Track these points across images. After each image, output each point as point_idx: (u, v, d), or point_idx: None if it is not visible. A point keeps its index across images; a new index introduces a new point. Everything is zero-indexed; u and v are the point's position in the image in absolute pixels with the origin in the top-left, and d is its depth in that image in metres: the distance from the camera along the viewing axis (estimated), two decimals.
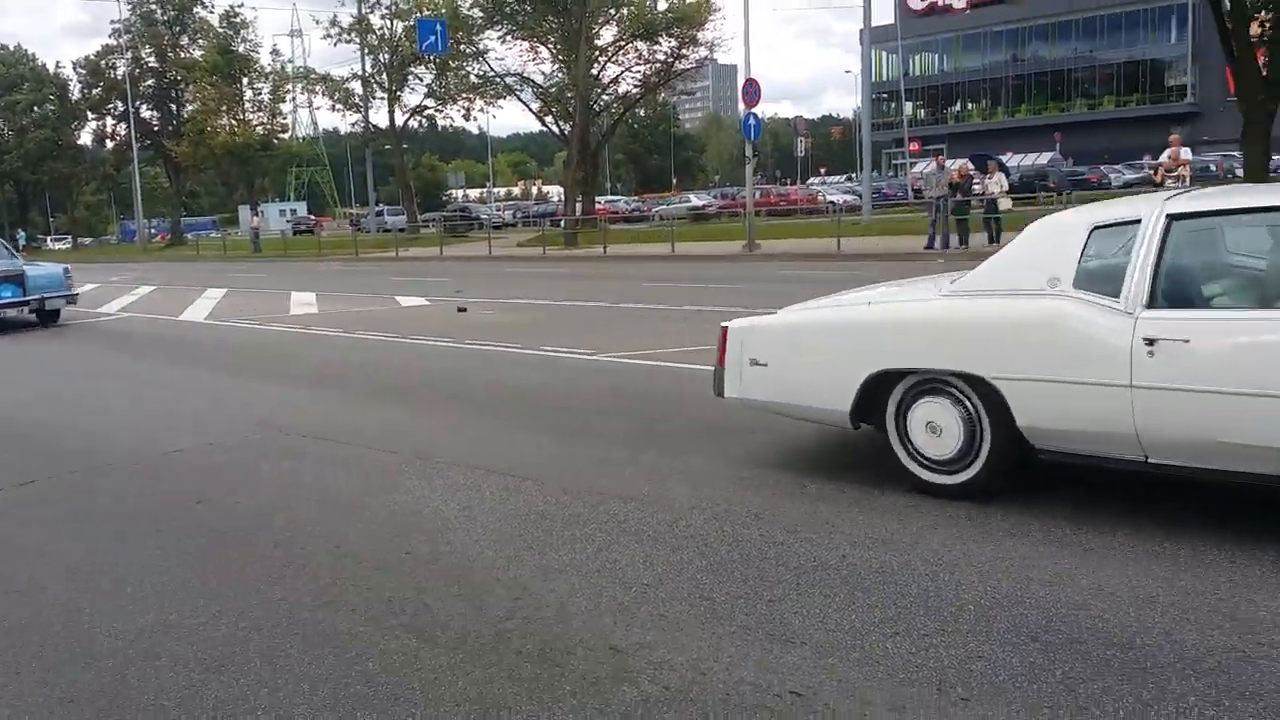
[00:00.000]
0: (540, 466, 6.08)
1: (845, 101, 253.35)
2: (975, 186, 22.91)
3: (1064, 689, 3.08)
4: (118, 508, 5.84)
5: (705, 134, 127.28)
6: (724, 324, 5.85)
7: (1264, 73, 25.96)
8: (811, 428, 6.25)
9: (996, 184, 22.39)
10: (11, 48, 75.99)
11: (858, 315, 5.43)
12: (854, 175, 67.86)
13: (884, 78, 72.12)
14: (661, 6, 41.20)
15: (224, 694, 3.48)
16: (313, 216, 79.27)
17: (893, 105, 72.37)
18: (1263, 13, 24.89)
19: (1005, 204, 22.66)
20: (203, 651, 3.82)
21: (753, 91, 26.34)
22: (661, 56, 42.97)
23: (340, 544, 4.93)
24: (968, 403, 4.85)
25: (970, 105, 76.22)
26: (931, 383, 4.98)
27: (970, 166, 23.62)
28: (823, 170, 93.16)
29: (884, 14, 65.87)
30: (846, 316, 5.51)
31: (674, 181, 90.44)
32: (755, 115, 26.76)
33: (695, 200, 57.59)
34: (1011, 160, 41.39)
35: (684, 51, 42.37)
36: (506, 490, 5.63)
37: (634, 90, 45.15)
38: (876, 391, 5.14)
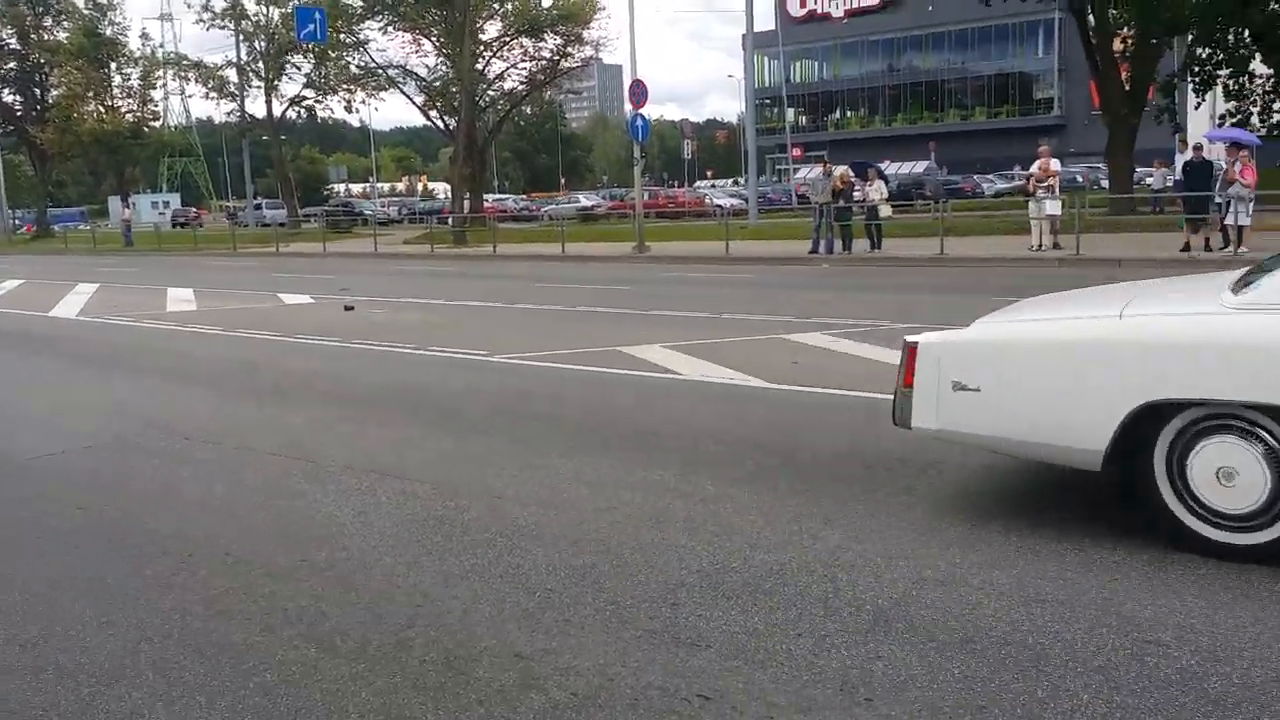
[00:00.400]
0: (436, 470, 6.02)
1: (729, 105, 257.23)
2: (856, 193, 23.51)
3: (962, 687, 3.20)
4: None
5: (592, 134, 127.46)
6: (910, 338, 4.80)
7: (1126, 87, 27.33)
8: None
9: (877, 191, 23.06)
10: None
11: (1113, 332, 4.36)
12: (741, 179, 68.89)
13: (766, 83, 73.35)
14: (546, 3, 41.09)
15: (117, 708, 3.35)
16: (193, 209, 76.51)
17: (775, 111, 73.75)
18: (1125, 29, 26.21)
19: (885, 211, 23.36)
20: (92, 663, 3.68)
21: (639, 92, 26.49)
22: (547, 54, 42.91)
23: (230, 550, 4.79)
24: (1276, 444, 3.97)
25: (849, 113, 78.22)
26: (1224, 418, 4.07)
27: (851, 174, 24.24)
28: (709, 173, 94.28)
29: (766, 20, 67.08)
30: (1096, 333, 4.44)
31: (562, 181, 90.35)
32: (643, 116, 26.91)
33: (584, 200, 57.58)
34: (889, 168, 42.57)
35: (569, 50, 42.38)
36: (402, 495, 5.56)
37: (520, 87, 44.94)
38: (1140, 427, 4.19)
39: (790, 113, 71.93)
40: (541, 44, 42.43)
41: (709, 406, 7.44)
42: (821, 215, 22.43)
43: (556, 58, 42.69)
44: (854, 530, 4.66)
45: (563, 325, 12.59)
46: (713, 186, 67.84)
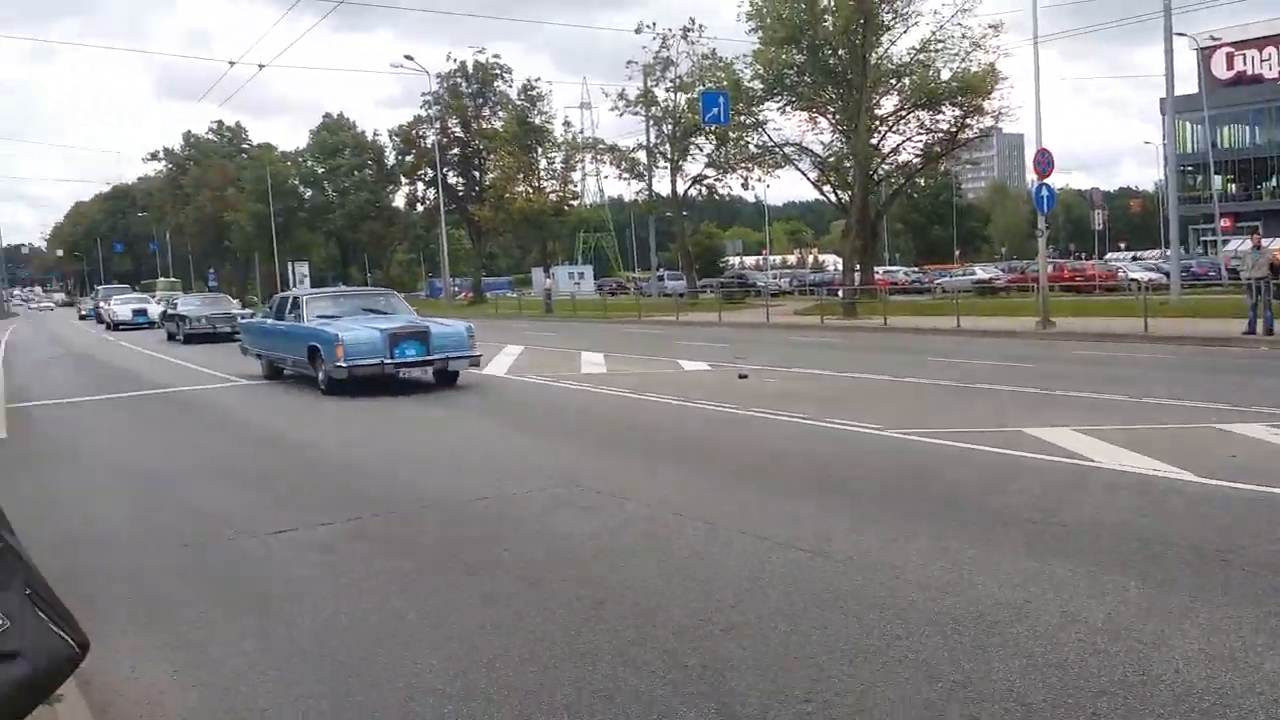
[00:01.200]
0: (831, 543, 5.98)
1: (1143, 173, 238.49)
2: None
3: None
4: (436, 548, 6.26)
5: (990, 204, 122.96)
6: None
7: None
8: None
9: None
10: (336, 116, 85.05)
11: None
12: (1157, 251, 63.38)
13: (1188, 149, 67.11)
14: (945, 76, 40.38)
15: None
16: (612, 279, 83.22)
17: (1199, 178, 67.20)
18: None
19: None
20: (513, 697, 3.99)
21: (1044, 162, 25.25)
22: (945, 126, 42.02)
23: (637, 602, 5.04)
24: None
25: None
26: None
27: None
28: (1121, 244, 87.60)
29: (1187, 84, 61.60)
30: None
31: (957, 253, 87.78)
32: (1048, 186, 25.60)
33: (981, 273, 55.59)
34: None
35: (968, 121, 41.20)
36: (796, 564, 5.57)
37: (915, 160, 44.34)
38: None
39: (1217, 180, 65.32)
40: (939, 116, 41.70)
41: (1127, 499, 6.81)
42: (1257, 292, 20.04)
43: (954, 129, 41.73)
44: None
45: (958, 401, 12.14)
46: (1135, 259, 62.53)
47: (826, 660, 4.22)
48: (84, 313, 61.70)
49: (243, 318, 30.37)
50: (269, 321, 17.26)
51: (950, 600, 4.88)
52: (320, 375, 14.56)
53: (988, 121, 41.35)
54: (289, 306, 16.60)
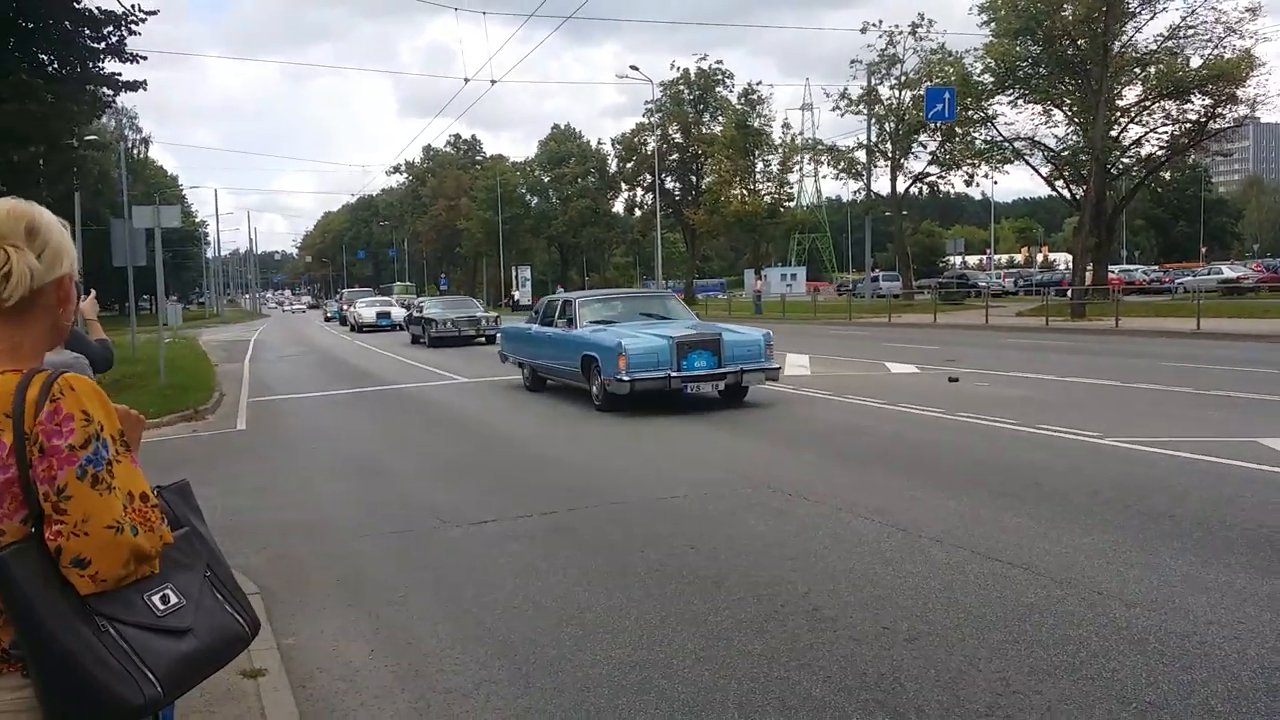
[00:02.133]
0: (1031, 554, 5.71)
1: None
2: None
3: None
4: (623, 544, 6.39)
5: (1242, 198, 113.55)
6: None
7: None
8: None
9: None
10: (563, 127, 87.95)
11: None
12: None
13: None
14: (1195, 63, 37.56)
15: None
16: (825, 280, 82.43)
17: None
18: None
19: None
20: (687, 693, 4.03)
21: None
22: (1193, 116, 39.08)
23: (819, 607, 4.98)
24: None
25: None
26: None
27: None
28: None
29: None
30: None
31: (1202, 250, 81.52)
32: None
33: (1227, 271, 51.44)
34: None
35: (1220, 110, 38.15)
36: (993, 575, 5.35)
37: (1158, 152, 41.45)
38: None
39: None
40: (1187, 106, 38.84)
41: None
42: None
43: (1204, 119, 38.75)
44: None
45: (1189, 410, 11.28)
46: None
47: (1014, 675, 4.05)
48: (329, 314, 63.72)
49: (488, 321, 30.48)
50: (534, 327, 15.75)
51: (1156, 619, 4.57)
52: (594, 389, 13.14)
53: (1242, 110, 38.25)
54: (559, 310, 14.96)
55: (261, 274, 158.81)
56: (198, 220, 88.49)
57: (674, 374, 12.35)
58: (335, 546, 6.77)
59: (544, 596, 5.37)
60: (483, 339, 29.10)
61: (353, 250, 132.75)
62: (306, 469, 10.08)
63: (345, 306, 52.60)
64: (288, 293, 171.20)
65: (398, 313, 41.72)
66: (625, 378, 12.23)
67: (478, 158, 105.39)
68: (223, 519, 7.06)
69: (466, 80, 36.10)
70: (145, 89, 20.48)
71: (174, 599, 1.79)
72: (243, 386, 19.00)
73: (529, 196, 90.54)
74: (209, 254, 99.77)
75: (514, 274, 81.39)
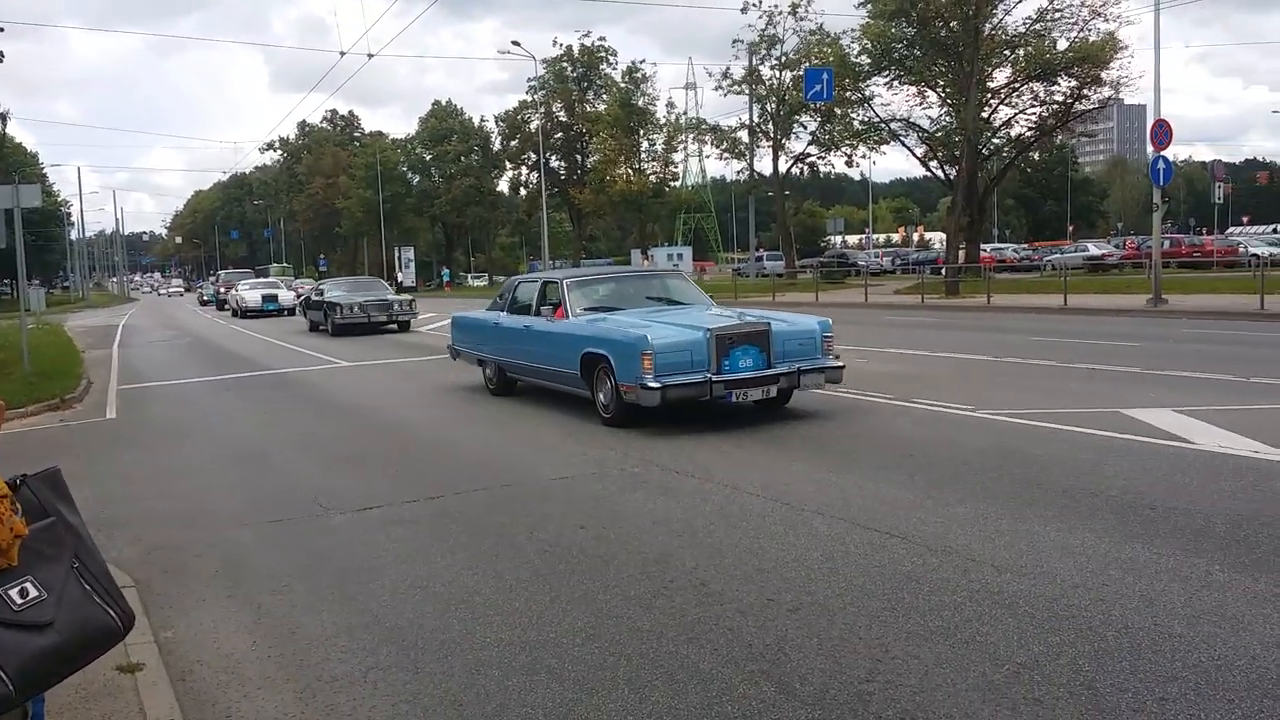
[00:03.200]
0: (909, 524, 5.90)
1: (1272, 144, 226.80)
2: None
3: None
4: (512, 526, 6.36)
5: (1107, 178, 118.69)
6: None
7: None
8: None
9: None
10: (444, 103, 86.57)
11: None
12: None
13: None
14: (1062, 46, 39.01)
15: (593, 717, 3.67)
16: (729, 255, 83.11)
17: None
18: None
19: None
20: (577, 672, 4.06)
21: (1162, 134, 24.28)
22: (1060, 98, 40.63)
23: (706, 581, 5.06)
24: None
25: None
26: None
27: None
28: (1245, 219, 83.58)
29: None
30: None
31: (1069, 229, 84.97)
32: (1165, 159, 24.63)
33: (1093, 249, 53.77)
34: None
35: (1085, 92, 39.72)
36: (872, 546, 5.52)
37: (1027, 133, 43.00)
38: None
39: None
40: (1054, 87, 40.34)
41: (1225, 482, 6.55)
42: None
43: (1070, 101, 40.31)
44: None
45: (1057, 382, 11.79)
46: (1244, 233, 59.71)
47: (893, 641, 4.19)
48: (205, 298, 59.06)
49: (401, 305, 27.43)
50: (501, 316, 12.60)
51: (1026, 583, 4.78)
52: (600, 398, 10.21)
53: (1106, 92, 39.86)
54: (539, 295, 11.79)
55: (130, 256, 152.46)
56: (60, 200, 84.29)
57: (714, 377, 9.40)
58: (213, 536, 6.58)
59: (432, 581, 5.33)
60: (394, 325, 26.80)
61: (225, 231, 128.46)
62: (182, 457, 9.75)
63: (223, 289, 49.45)
64: (157, 275, 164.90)
65: (286, 296, 39.48)
66: (654, 384, 9.25)
67: (356, 134, 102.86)
68: (94, 510, 6.76)
69: (343, 54, 35.05)
70: (1, 60, 19.39)
71: (34, 592, 1.71)
72: (112, 373, 18.27)
73: (410, 175, 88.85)
74: (73, 235, 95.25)
75: (397, 255, 79.90)
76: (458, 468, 8.39)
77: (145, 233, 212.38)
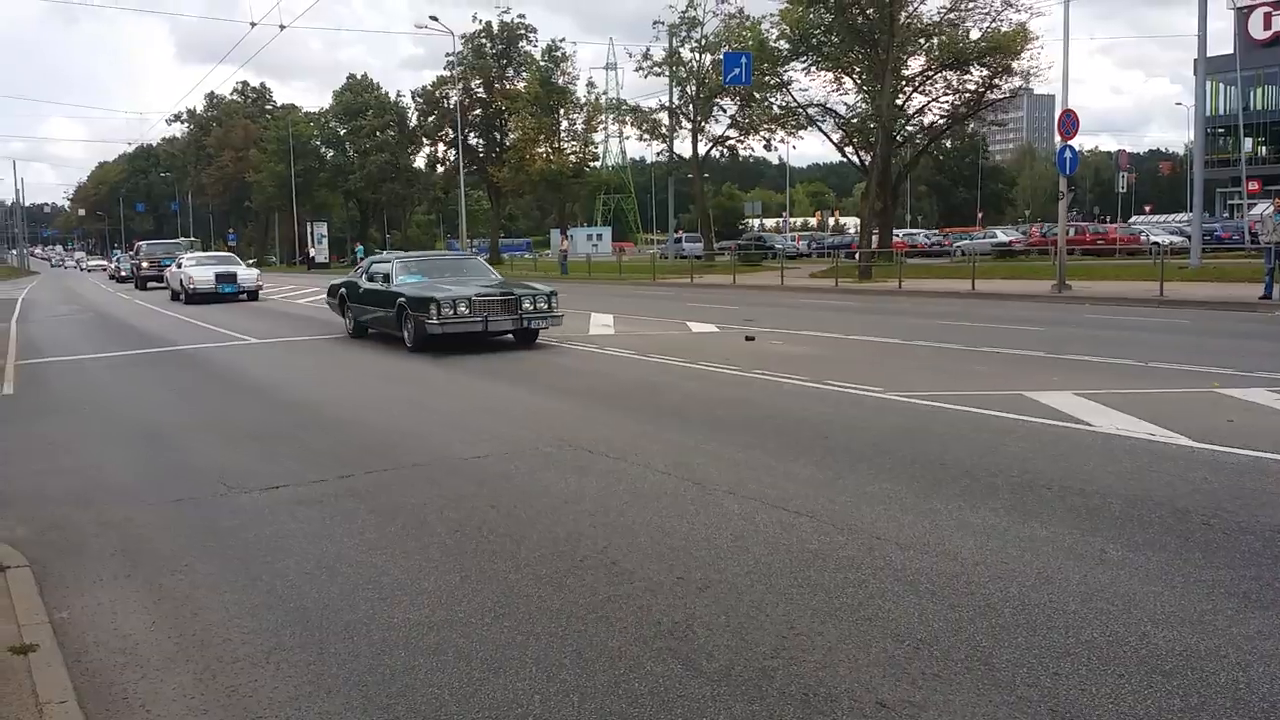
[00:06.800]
0: (817, 503, 5.99)
1: (1173, 135, 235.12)
2: None
3: None
4: (422, 506, 6.30)
5: (1017, 166, 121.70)
6: None
7: None
8: None
9: None
10: (360, 77, 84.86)
11: None
12: (1184, 215, 62.49)
13: (1220, 111, 65.86)
14: (974, 36, 39.81)
15: (500, 696, 3.66)
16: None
17: (1230, 141, 66.03)
18: None
19: None
20: (485, 651, 4.04)
21: (1069, 124, 24.97)
22: (972, 87, 41.49)
23: (617, 560, 5.08)
24: None
25: None
26: None
27: None
28: (1148, 208, 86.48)
29: (1220, 44, 60.38)
30: None
31: (979, 216, 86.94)
32: (1071, 148, 25.30)
33: (1001, 236, 55.14)
34: None
35: (996, 82, 40.61)
36: (780, 524, 5.59)
37: (940, 121, 43.84)
38: None
39: (1247, 143, 64.20)
40: (967, 77, 41.16)
41: (1120, 463, 6.79)
42: (1276, 257, 19.82)
43: (982, 90, 41.18)
44: None
45: (964, 365, 12.08)
46: (1150, 222, 61.86)
47: (798, 618, 4.25)
48: (123, 274, 51.67)
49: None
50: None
51: (927, 560, 4.89)
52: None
53: (1016, 82, 40.80)
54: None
55: (30, 228, 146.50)
56: None
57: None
58: (112, 515, 6.39)
59: (339, 562, 5.25)
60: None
61: (130, 203, 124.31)
62: (81, 435, 9.44)
63: (145, 264, 41.88)
64: (58, 248, 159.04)
65: (246, 275, 31.83)
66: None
67: (268, 107, 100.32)
68: None
69: (253, 24, 34.24)
70: None
71: None
72: (9, 348, 17.58)
73: (324, 149, 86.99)
74: None
75: (309, 230, 78.24)
76: (367, 447, 8.27)
77: (46, 204, 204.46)
